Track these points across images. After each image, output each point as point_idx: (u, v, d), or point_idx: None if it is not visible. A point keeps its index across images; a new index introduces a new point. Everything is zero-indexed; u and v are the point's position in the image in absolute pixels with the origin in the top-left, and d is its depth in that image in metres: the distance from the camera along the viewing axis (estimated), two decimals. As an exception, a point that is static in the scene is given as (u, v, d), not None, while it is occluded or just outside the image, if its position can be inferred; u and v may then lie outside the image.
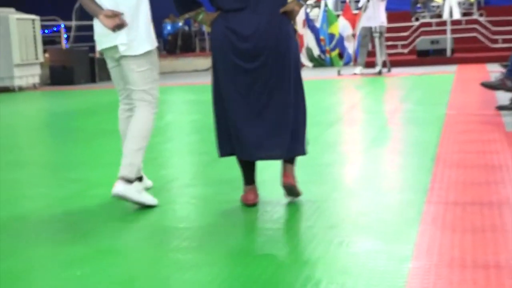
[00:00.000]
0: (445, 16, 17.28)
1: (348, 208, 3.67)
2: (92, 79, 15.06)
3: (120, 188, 3.71)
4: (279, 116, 3.59)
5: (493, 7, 17.98)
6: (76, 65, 14.66)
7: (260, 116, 3.59)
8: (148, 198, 3.84)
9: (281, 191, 3.85)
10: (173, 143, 6.46)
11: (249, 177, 3.79)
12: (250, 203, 3.72)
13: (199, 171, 4.98)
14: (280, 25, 3.59)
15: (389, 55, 13.84)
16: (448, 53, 15.22)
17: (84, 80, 14.77)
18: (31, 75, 13.83)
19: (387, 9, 12.99)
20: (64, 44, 16.27)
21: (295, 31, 3.72)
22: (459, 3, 17.85)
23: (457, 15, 17.32)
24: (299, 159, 3.83)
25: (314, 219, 3.44)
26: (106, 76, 15.39)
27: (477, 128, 6.04)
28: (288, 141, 3.62)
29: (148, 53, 3.86)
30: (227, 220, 3.54)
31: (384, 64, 12.86)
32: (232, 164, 4.94)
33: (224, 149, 3.75)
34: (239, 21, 3.56)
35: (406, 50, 16.18)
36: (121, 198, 3.73)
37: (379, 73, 12.51)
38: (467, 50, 15.75)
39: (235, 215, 3.64)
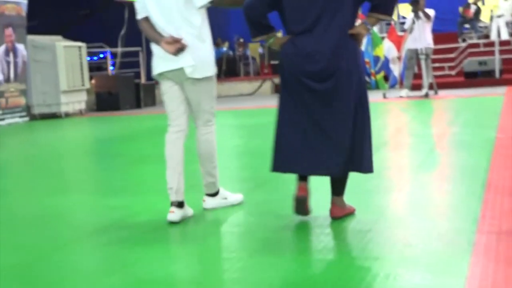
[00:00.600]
0: (493, 36, 16.98)
1: (395, 238, 3.52)
2: (137, 104, 15.17)
3: (209, 203, 4.34)
4: (341, 135, 3.70)
5: (543, 27, 17.61)
6: (122, 91, 14.79)
7: (325, 135, 3.71)
8: (235, 198, 4.43)
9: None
10: (216, 169, 6.38)
11: (302, 176, 3.91)
12: (299, 195, 3.85)
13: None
14: (348, 46, 3.71)
15: (436, 77, 13.60)
16: (497, 74, 14.89)
17: (129, 105, 14.89)
18: (77, 102, 13.99)
19: (433, 30, 12.79)
20: (110, 70, 16.46)
21: (360, 53, 3.88)
22: (507, 23, 17.53)
23: (505, 35, 17.00)
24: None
25: (359, 249, 3.31)
26: (150, 102, 15.55)
27: (529, 153, 5.83)
28: (346, 160, 3.72)
29: (211, 76, 4.14)
30: (272, 249, 3.42)
31: (430, 87, 12.64)
32: (275, 190, 4.85)
33: (282, 165, 3.93)
34: (308, 42, 3.69)
35: (453, 72, 15.92)
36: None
37: (426, 95, 12.29)
38: (516, 71, 15.40)
39: (281, 244, 3.52)
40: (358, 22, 3.85)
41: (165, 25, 4.03)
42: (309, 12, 3.70)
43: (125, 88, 14.93)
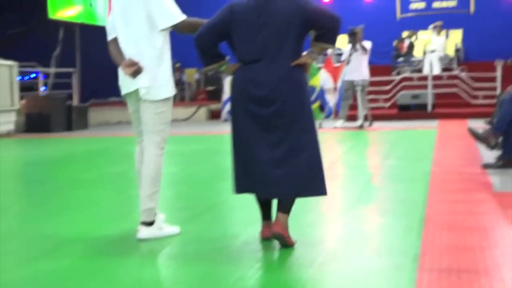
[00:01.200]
0: (426, 71, 17.37)
1: (335, 274, 3.45)
2: (68, 127, 14.82)
3: (143, 233, 4.20)
4: (292, 158, 3.88)
5: (473, 63, 18.13)
6: (53, 112, 14.43)
7: (274, 158, 3.88)
8: (171, 230, 4.32)
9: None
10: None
11: (265, 213, 4.12)
12: (265, 237, 4.06)
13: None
14: (292, 75, 3.91)
15: (371, 108, 13.80)
16: (429, 108, 15.23)
17: (60, 128, 14.53)
18: (6, 122, 13.56)
19: (369, 62, 12.98)
20: (41, 91, 16.05)
21: (306, 81, 4.05)
22: (440, 58, 17.99)
23: (437, 70, 17.42)
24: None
25: (300, 286, 3.22)
26: (82, 125, 15.21)
27: (464, 187, 5.89)
28: (301, 182, 3.91)
29: (167, 98, 4.25)
30: (209, 283, 3.30)
31: (365, 118, 12.80)
32: (213, 220, 4.74)
33: (240, 187, 4.05)
34: (256, 70, 3.90)
35: (387, 104, 16.19)
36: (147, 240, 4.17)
37: (361, 127, 12.43)
38: (448, 105, 15.79)
39: (211, 277, 3.40)
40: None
41: (126, 46, 4.22)
42: (257, 43, 3.91)
43: (56, 110, 14.57)
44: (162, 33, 4.20)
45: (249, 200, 4.30)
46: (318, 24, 3.92)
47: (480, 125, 10.58)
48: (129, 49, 4.21)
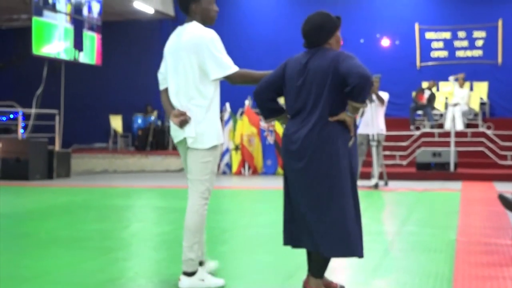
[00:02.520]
0: (447, 126, 17.43)
1: None
2: (49, 174, 14.77)
3: (184, 283, 4.64)
4: (314, 216, 4.29)
5: (500, 119, 18.25)
6: (32, 158, 14.40)
7: (301, 214, 4.35)
8: (213, 282, 4.71)
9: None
10: (137, 261, 6.12)
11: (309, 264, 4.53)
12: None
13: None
14: (323, 129, 4.27)
15: (387, 166, 13.76)
16: (452, 167, 15.20)
17: (39, 175, 14.49)
18: (-21, 167, 13.54)
19: (385, 115, 12.99)
20: (20, 133, 16.05)
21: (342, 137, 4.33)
22: (463, 113, 18.05)
23: (460, 126, 17.48)
24: None
25: None
26: (64, 172, 15.15)
27: (494, 261, 5.81)
28: (322, 240, 4.26)
29: (213, 147, 4.70)
30: None
31: (381, 177, 12.75)
32: None
33: (285, 239, 4.55)
34: (292, 125, 4.40)
35: (405, 162, 16.18)
36: None
37: (376, 186, 12.38)
38: (472, 165, 15.79)
39: None
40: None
41: (176, 95, 4.73)
42: (296, 99, 4.38)
43: (36, 155, 14.55)
44: (213, 83, 4.69)
45: (254, 269, 4.22)
46: (345, 81, 4.19)
47: (509, 189, 10.55)
48: (179, 98, 4.71)
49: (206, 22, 4.80)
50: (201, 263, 4.74)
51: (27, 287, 4.83)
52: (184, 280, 4.65)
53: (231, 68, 4.66)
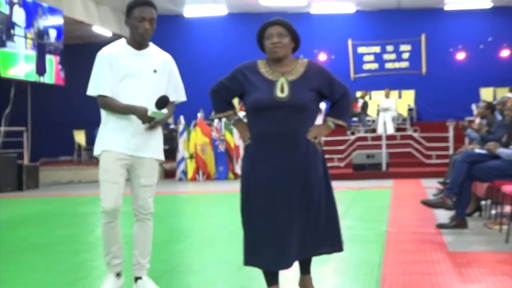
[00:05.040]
0: (379, 130, 17.81)
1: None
2: (19, 187, 14.67)
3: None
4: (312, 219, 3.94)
5: (426, 123, 18.71)
6: (3, 172, 14.30)
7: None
8: None
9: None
10: (102, 261, 6.20)
11: (272, 278, 4.00)
12: None
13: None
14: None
15: (326, 168, 14.00)
16: (384, 167, 15.55)
17: (10, 187, 14.38)
18: (-47, 182, 13.38)
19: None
20: (-9, 150, 15.89)
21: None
22: (393, 118, 18.47)
23: (390, 130, 17.87)
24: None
25: None
26: (33, 184, 15.06)
27: (419, 248, 6.06)
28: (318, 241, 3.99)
29: (99, 155, 4.41)
30: None
31: (321, 178, 12.98)
32: (173, 283, 4.76)
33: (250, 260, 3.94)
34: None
35: (342, 164, 16.48)
36: None
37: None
38: (402, 165, 16.17)
39: None
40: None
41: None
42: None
43: (6, 169, 14.44)
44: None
45: (211, 264, 4.35)
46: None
47: (434, 185, 10.89)
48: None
49: (136, 38, 4.32)
50: (118, 274, 4.46)
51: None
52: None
53: (93, 91, 4.34)
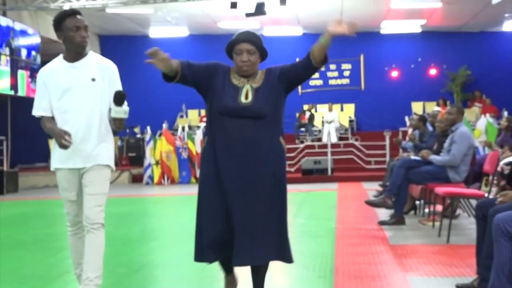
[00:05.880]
0: (324, 139, 18.06)
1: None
2: (0, 191, 14.45)
3: None
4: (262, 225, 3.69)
5: (365, 133, 19.04)
6: (-15, 177, 14.08)
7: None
8: None
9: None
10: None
11: (227, 267, 3.88)
12: None
13: None
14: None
15: (279, 173, 14.13)
16: (329, 172, 15.78)
17: (-8, 191, 14.16)
18: None
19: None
20: (-27, 157, 15.61)
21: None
22: (336, 128, 18.77)
23: (334, 139, 18.14)
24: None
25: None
26: (13, 188, 14.84)
27: (365, 241, 6.24)
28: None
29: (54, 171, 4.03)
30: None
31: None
32: (149, 276, 4.80)
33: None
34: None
35: (293, 169, 16.65)
36: None
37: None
38: (345, 170, 16.42)
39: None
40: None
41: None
42: None
43: (-12, 175, 14.23)
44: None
45: (183, 258, 4.40)
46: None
47: (373, 187, 11.13)
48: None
49: (72, 49, 3.88)
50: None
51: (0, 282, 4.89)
52: None
53: (33, 111, 3.99)
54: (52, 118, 3.92)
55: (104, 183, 3.92)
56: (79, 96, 3.84)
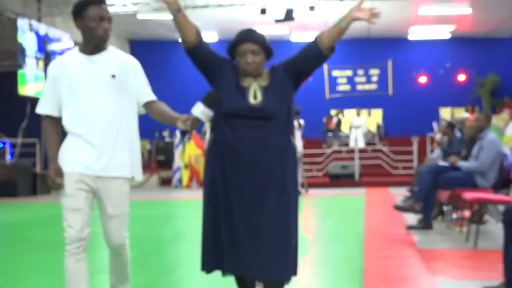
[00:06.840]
0: (352, 144, 18.09)
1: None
2: (33, 192, 14.75)
3: None
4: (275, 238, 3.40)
5: (393, 139, 19.00)
6: (19, 179, 14.40)
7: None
8: None
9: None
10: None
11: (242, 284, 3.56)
12: None
13: None
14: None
15: (307, 177, 14.27)
16: (357, 177, 15.81)
17: (26, 193, 14.46)
18: (-26, 188, 13.42)
19: (302, 137, 13.49)
20: (8, 159, 15.96)
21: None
22: (364, 134, 18.78)
23: (361, 144, 18.16)
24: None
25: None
26: (46, 190, 15.14)
27: (393, 245, 6.31)
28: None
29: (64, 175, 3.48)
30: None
31: (302, 186, 13.24)
32: (184, 278, 4.90)
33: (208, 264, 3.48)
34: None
35: (320, 174, 16.72)
36: None
37: (298, 193, 12.80)
38: (372, 175, 16.44)
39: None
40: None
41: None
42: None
43: (22, 176, 14.54)
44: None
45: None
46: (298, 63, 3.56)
47: (401, 191, 11.15)
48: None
49: (92, 41, 3.34)
50: None
51: (33, 279, 5.01)
52: None
53: (37, 108, 3.47)
54: (58, 121, 3.40)
55: (127, 201, 3.44)
56: (96, 95, 3.31)
